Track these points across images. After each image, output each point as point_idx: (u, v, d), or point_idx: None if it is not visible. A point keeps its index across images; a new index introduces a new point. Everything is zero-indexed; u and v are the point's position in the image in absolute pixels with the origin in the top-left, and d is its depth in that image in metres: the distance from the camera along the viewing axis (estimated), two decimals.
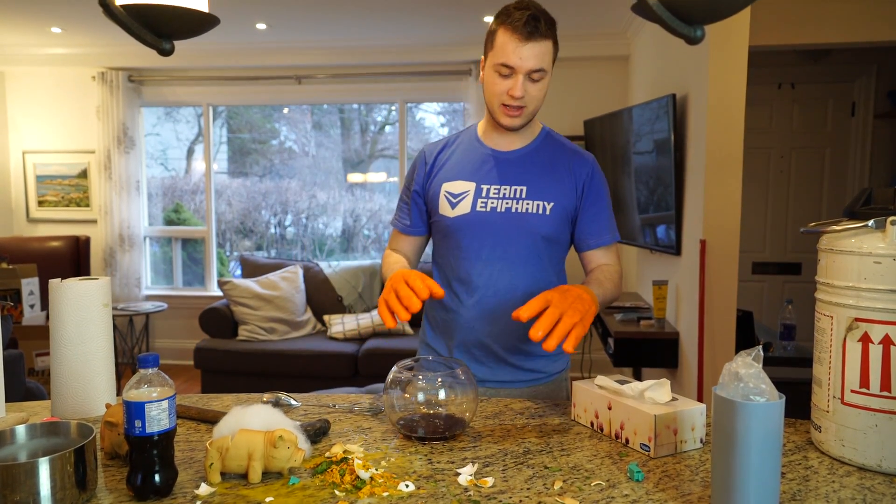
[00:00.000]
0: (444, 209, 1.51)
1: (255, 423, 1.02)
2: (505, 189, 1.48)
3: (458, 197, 1.50)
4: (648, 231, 3.74)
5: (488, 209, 1.48)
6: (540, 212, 1.47)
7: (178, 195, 5.64)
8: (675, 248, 3.41)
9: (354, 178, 5.56)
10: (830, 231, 1.07)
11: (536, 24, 1.35)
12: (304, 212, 5.61)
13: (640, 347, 3.41)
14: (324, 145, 5.59)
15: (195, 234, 5.54)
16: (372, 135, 5.64)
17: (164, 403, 0.93)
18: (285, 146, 5.66)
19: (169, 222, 5.63)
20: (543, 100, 1.46)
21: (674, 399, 1.12)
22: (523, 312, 1.17)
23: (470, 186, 1.49)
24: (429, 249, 1.70)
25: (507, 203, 1.48)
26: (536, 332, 1.14)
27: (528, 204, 1.47)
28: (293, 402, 1.35)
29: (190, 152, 5.70)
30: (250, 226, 5.66)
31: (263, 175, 5.61)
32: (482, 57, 1.47)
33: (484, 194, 1.48)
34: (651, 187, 3.63)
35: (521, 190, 1.48)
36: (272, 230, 5.71)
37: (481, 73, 1.47)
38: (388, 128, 5.63)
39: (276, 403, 1.34)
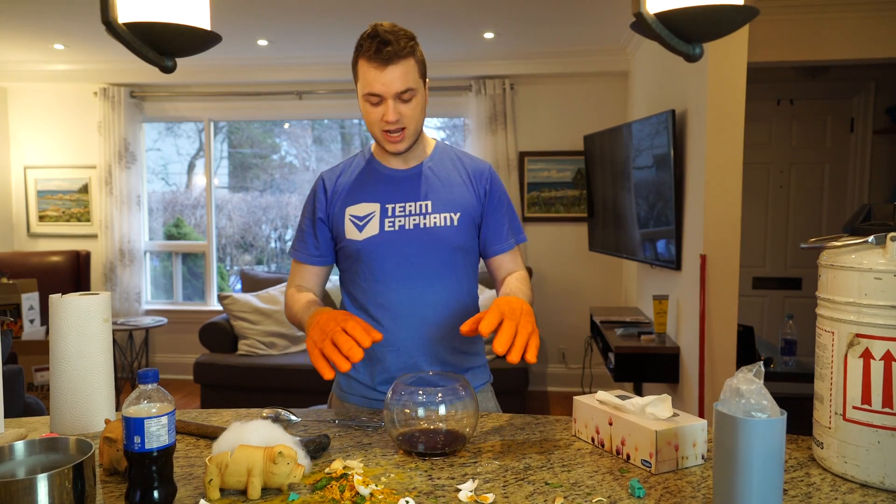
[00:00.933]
0: (352, 233, 1.48)
1: (254, 438, 1.02)
2: (410, 206, 1.48)
3: (364, 219, 1.48)
4: (649, 246, 3.75)
5: (397, 228, 1.47)
6: (448, 224, 1.48)
7: (179, 210, 5.65)
8: (676, 263, 3.41)
9: None
10: (831, 247, 1.07)
11: (389, 49, 1.35)
12: None
13: (641, 362, 3.40)
14: (324, 160, 5.61)
15: (195, 249, 5.55)
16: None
17: (164, 419, 0.93)
18: (286, 161, 5.68)
19: (169, 237, 5.64)
20: (422, 116, 1.46)
21: (675, 415, 1.11)
22: (484, 327, 1.17)
23: (374, 207, 1.48)
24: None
25: (414, 219, 1.47)
26: (501, 346, 1.14)
27: (435, 217, 1.47)
28: (293, 417, 1.35)
29: (191, 167, 5.72)
30: (251, 240, 5.67)
31: (264, 190, 5.62)
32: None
33: (390, 213, 1.48)
34: (651, 202, 3.64)
35: (427, 205, 1.48)
36: (272, 244, 5.72)
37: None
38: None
39: (276, 419, 1.33)
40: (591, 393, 1.27)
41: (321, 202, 1.54)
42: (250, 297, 4.56)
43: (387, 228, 1.47)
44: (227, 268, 5.71)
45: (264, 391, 4.26)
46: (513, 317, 1.19)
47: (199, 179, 5.62)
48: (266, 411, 1.36)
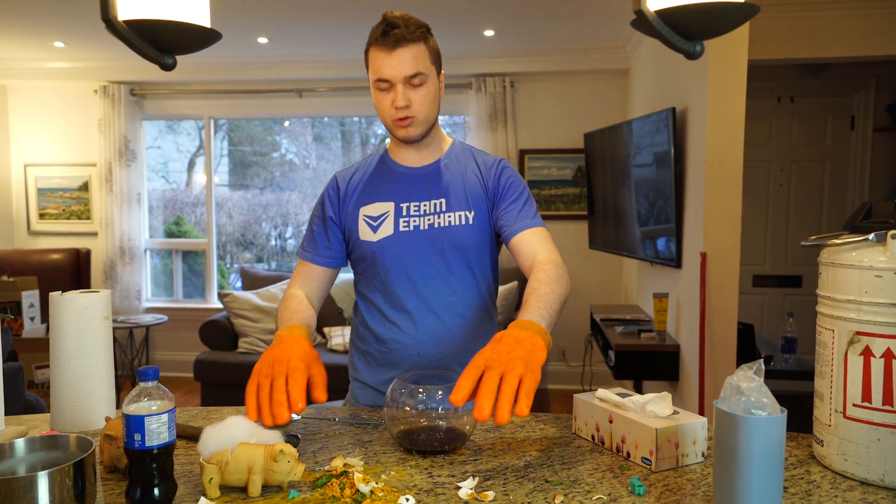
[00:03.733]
0: (366, 234, 1.45)
1: (238, 435, 1.01)
2: (425, 205, 1.45)
3: (379, 219, 1.46)
4: (649, 244, 3.75)
5: (411, 228, 1.44)
6: (464, 222, 1.44)
7: (179, 208, 5.65)
8: (676, 261, 3.41)
9: None
10: (831, 245, 1.07)
11: (397, 32, 1.34)
12: (305, 224, 5.62)
13: (641, 360, 3.40)
14: (324, 158, 5.61)
15: (195, 247, 5.55)
16: (372, 147, 5.66)
17: (164, 417, 0.93)
18: (286, 159, 5.68)
19: (169, 234, 5.64)
20: (435, 107, 1.43)
21: (675, 412, 1.12)
22: (456, 397, 0.99)
23: (389, 207, 1.46)
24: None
25: (429, 219, 1.44)
26: (481, 413, 0.95)
27: (450, 216, 1.44)
28: (294, 415, 1.35)
29: (191, 165, 5.72)
30: (251, 238, 5.67)
31: (264, 187, 5.62)
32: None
33: (405, 213, 1.45)
34: (651, 200, 3.64)
35: (441, 203, 1.45)
36: (273, 242, 5.72)
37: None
38: (388, 140, 5.64)
39: None
40: (590, 391, 1.27)
41: (333, 202, 1.52)
42: (250, 295, 4.56)
43: (401, 228, 1.44)
44: (228, 266, 5.71)
45: None
46: (497, 363, 1.00)
47: (200, 177, 5.62)
48: None
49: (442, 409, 1.16)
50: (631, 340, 3.47)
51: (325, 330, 4.61)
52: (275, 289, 4.68)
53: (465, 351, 1.46)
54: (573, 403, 1.24)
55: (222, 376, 4.29)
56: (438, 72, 1.44)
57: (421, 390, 1.17)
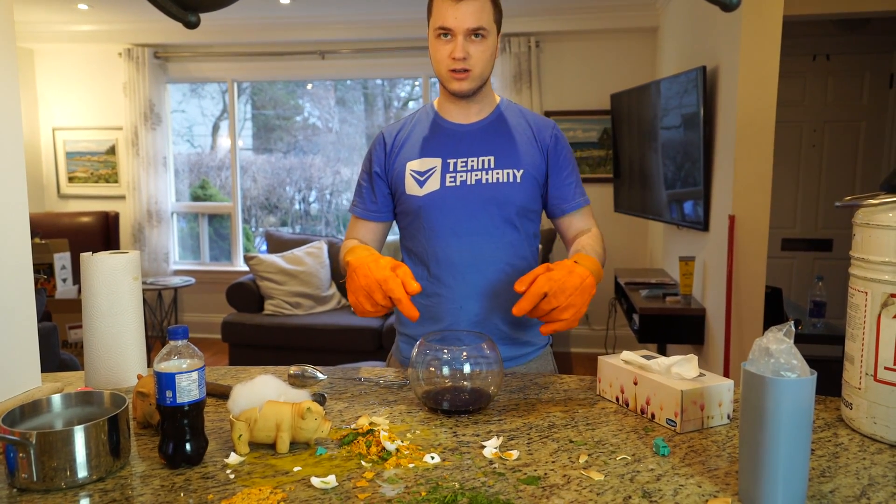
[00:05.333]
0: (412, 189, 1.47)
1: (267, 393, 1.03)
2: (472, 161, 1.45)
3: (426, 174, 1.47)
4: (675, 207, 3.69)
5: (458, 183, 1.44)
6: (511, 180, 1.44)
7: (204, 171, 5.69)
8: (703, 224, 3.36)
9: None
10: (867, 205, 1.04)
11: None
12: (329, 188, 5.64)
13: (666, 323, 3.38)
14: (347, 121, 5.59)
15: (221, 210, 5.60)
16: (395, 110, 5.62)
17: (194, 374, 0.95)
18: (309, 122, 5.66)
19: (195, 198, 5.69)
20: (490, 64, 1.43)
21: (701, 375, 1.11)
22: (518, 310, 1.19)
23: (436, 162, 1.46)
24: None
25: (476, 175, 1.45)
26: (519, 309, 1.17)
27: (498, 173, 1.45)
28: (319, 374, 1.37)
29: (215, 129, 5.74)
30: (275, 202, 5.70)
31: (287, 151, 5.63)
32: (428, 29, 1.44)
33: (452, 168, 1.45)
34: (678, 163, 3.58)
35: (489, 160, 1.45)
36: (297, 206, 5.74)
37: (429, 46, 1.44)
38: (411, 103, 5.60)
39: (303, 376, 1.35)
40: (615, 354, 1.27)
41: (379, 157, 1.53)
42: (276, 258, 4.61)
43: (448, 184, 1.45)
44: (253, 229, 5.76)
45: (290, 350, 4.34)
46: (557, 298, 1.18)
47: (224, 141, 5.64)
48: (293, 368, 1.38)
49: (468, 370, 1.17)
50: (656, 304, 3.45)
51: None
52: (300, 252, 4.71)
53: (507, 307, 1.46)
54: (598, 365, 1.24)
55: (249, 338, 4.37)
56: (498, 31, 1.44)
57: (446, 351, 1.18)
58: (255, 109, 5.71)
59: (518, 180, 1.45)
